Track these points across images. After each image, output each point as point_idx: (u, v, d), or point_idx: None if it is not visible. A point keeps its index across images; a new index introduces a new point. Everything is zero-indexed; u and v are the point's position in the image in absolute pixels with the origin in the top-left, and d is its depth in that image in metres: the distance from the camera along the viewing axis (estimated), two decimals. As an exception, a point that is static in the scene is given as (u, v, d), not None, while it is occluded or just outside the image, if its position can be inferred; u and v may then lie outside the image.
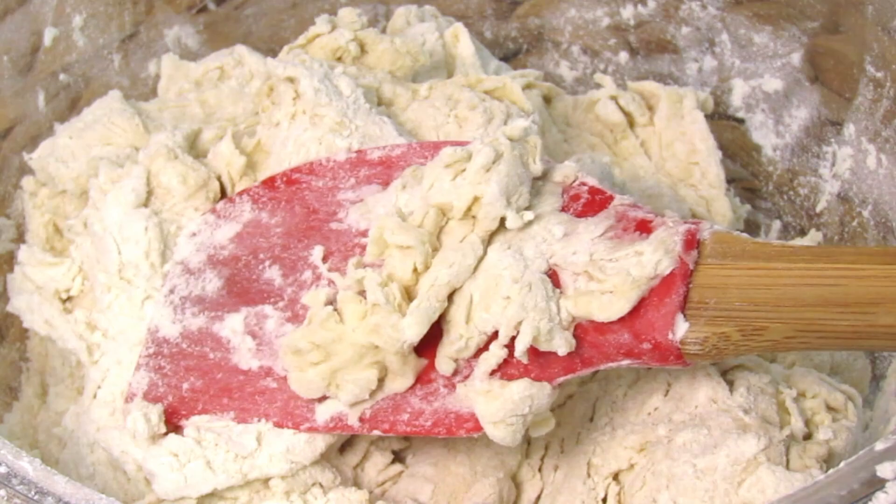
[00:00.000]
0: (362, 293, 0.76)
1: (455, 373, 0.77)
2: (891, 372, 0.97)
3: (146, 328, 0.86)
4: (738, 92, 1.11)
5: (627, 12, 1.14)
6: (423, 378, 0.78)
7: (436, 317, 0.75)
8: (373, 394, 0.77)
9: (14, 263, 0.95)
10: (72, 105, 1.02)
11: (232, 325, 0.84)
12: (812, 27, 1.03)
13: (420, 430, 0.78)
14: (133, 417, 0.80)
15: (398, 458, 0.90)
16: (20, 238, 0.99)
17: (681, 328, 0.70)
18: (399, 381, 0.77)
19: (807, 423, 0.82)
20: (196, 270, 0.87)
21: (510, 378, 0.74)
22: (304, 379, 0.78)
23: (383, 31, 1.09)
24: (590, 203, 0.78)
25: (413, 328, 0.74)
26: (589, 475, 0.82)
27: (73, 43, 1.01)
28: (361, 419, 0.78)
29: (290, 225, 0.86)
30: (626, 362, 0.73)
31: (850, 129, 1.02)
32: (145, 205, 0.89)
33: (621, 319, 0.72)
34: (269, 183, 0.89)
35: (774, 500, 0.62)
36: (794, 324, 0.68)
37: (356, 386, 0.76)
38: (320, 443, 0.82)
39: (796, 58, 1.05)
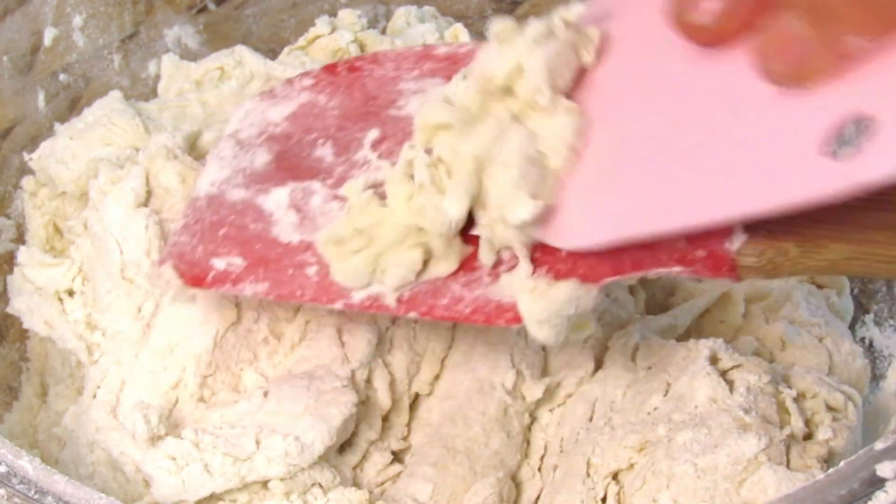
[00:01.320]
0: (412, 177, 0.74)
1: (499, 263, 0.74)
2: (891, 372, 0.97)
3: (190, 197, 0.85)
4: (738, 92, 1.11)
5: (627, 12, 1.14)
6: (466, 265, 0.75)
7: (473, 192, 0.71)
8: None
9: (14, 264, 0.95)
10: (72, 105, 1.02)
11: (277, 199, 0.81)
12: (812, 27, 1.03)
13: (458, 315, 0.74)
14: (132, 419, 0.80)
15: (397, 458, 0.90)
16: (20, 238, 0.99)
17: (738, 238, 0.66)
18: (442, 265, 0.75)
19: (807, 422, 0.82)
20: (246, 144, 0.86)
21: (557, 275, 0.71)
22: (348, 268, 0.75)
23: (383, 31, 1.10)
24: None
25: (453, 205, 0.71)
26: (588, 475, 0.82)
27: (73, 43, 1.01)
28: (399, 300, 0.76)
29: (348, 108, 0.84)
30: (676, 269, 0.69)
31: (850, 129, 1.02)
32: (145, 205, 0.89)
33: None
34: (331, 69, 0.87)
35: (774, 500, 0.62)
36: (856, 244, 0.65)
37: (401, 268, 0.74)
38: (319, 444, 0.82)
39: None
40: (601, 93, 0.72)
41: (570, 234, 0.71)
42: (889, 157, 0.54)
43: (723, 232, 0.67)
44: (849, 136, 0.56)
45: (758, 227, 0.66)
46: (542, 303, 0.71)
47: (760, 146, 0.61)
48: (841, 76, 0.56)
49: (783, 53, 0.56)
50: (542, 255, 0.72)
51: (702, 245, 0.68)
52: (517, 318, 0.72)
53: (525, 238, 0.71)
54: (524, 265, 0.72)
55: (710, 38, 0.61)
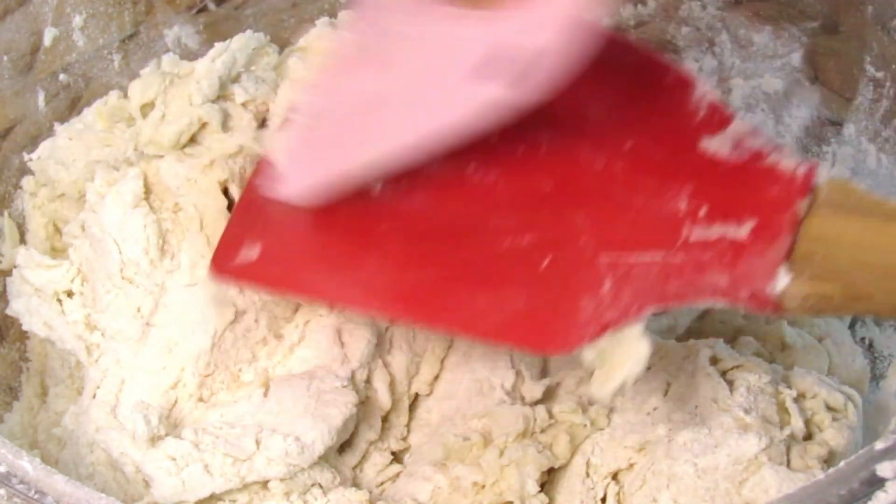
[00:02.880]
0: None
1: None
2: (891, 372, 0.97)
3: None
4: (738, 92, 1.11)
5: (627, 12, 1.14)
6: None
7: None
8: None
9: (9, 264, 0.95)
10: (72, 105, 1.02)
11: None
12: (812, 27, 1.03)
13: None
14: (132, 419, 0.80)
15: (397, 458, 0.90)
16: (21, 238, 0.99)
17: (782, 281, 0.65)
18: None
19: (807, 423, 0.82)
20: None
21: (605, 327, 0.70)
22: None
23: (383, 31, 1.09)
24: (707, 119, 0.73)
25: None
26: (588, 475, 0.82)
27: (73, 43, 1.01)
28: None
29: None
30: (720, 304, 0.68)
31: (850, 129, 1.02)
32: (144, 202, 0.89)
33: (721, 261, 0.67)
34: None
35: (774, 500, 0.61)
36: None
37: None
38: (319, 445, 0.82)
39: (796, 58, 1.05)
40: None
41: (288, 186, 0.78)
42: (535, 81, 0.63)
43: (766, 274, 0.65)
44: (498, 62, 0.65)
45: (802, 270, 0.65)
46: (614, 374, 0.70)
47: (425, 75, 0.69)
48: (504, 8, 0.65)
49: None
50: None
51: (745, 285, 0.66)
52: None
53: None
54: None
55: None
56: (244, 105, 0.97)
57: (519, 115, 0.66)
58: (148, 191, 0.89)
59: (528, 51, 0.63)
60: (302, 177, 0.77)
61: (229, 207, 0.91)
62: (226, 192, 0.92)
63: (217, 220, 0.89)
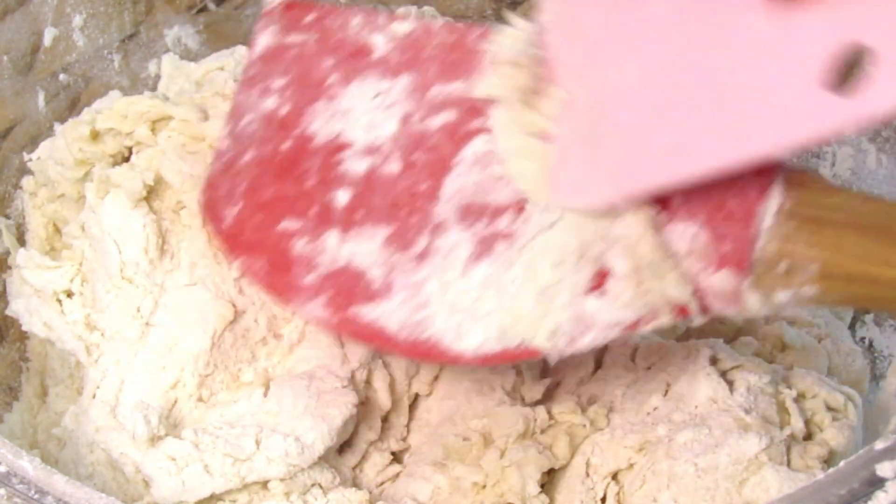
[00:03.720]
0: None
1: None
2: (891, 372, 0.97)
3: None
4: (739, 92, 1.11)
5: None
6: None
7: None
8: None
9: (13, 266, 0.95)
10: (72, 105, 1.02)
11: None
12: (812, 27, 1.03)
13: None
14: (132, 419, 0.80)
15: (396, 458, 0.90)
16: (20, 238, 0.99)
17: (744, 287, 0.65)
18: None
19: (807, 423, 0.82)
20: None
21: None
22: None
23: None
24: None
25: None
26: (588, 475, 0.82)
27: (73, 43, 1.01)
28: None
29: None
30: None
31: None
32: (144, 202, 0.89)
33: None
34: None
35: (774, 499, 0.61)
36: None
37: None
38: (319, 445, 0.82)
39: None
40: (573, 35, 0.69)
41: (576, 190, 0.70)
42: (891, 91, 0.53)
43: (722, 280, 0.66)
44: (848, 68, 0.55)
45: (763, 276, 0.64)
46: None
47: (761, 83, 0.58)
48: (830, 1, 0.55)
49: None
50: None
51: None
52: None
53: None
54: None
55: None
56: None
57: None
58: (149, 190, 0.89)
59: (872, 50, 0.54)
60: (595, 187, 0.69)
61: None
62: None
63: None
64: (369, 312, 0.76)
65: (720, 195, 0.66)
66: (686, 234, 0.67)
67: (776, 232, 0.64)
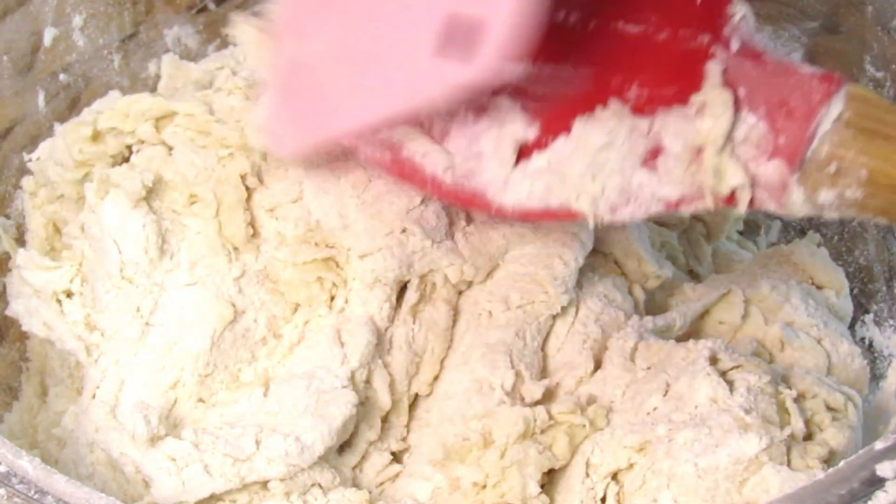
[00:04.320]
0: None
1: None
2: (891, 372, 0.97)
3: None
4: (739, 92, 1.11)
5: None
6: None
7: None
8: None
9: (13, 266, 0.94)
10: (72, 105, 1.02)
11: None
12: (812, 27, 1.03)
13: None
14: (132, 419, 0.80)
15: (396, 458, 0.90)
16: (20, 237, 0.99)
17: (792, 181, 0.69)
18: None
19: (807, 423, 0.82)
20: None
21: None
22: None
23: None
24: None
25: None
26: (588, 475, 0.82)
27: (73, 43, 1.01)
28: None
29: None
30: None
31: (850, 129, 1.02)
32: (144, 202, 0.89)
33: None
34: None
35: (774, 499, 0.62)
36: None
37: None
38: (319, 445, 0.82)
39: (796, 58, 1.05)
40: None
41: (278, 145, 0.82)
42: (491, 58, 0.62)
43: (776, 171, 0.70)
44: (458, 37, 0.64)
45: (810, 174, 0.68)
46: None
47: (394, 51, 0.69)
48: None
49: None
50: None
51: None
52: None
53: None
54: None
55: None
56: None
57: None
58: (149, 190, 0.89)
59: (481, 21, 0.63)
60: (290, 138, 0.81)
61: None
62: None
63: (234, 209, 0.89)
64: (423, 155, 0.79)
65: (785, 94, 0.70)
66: (747, 122, 0.71)
67: (832, 137, 0.68)
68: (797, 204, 0.69)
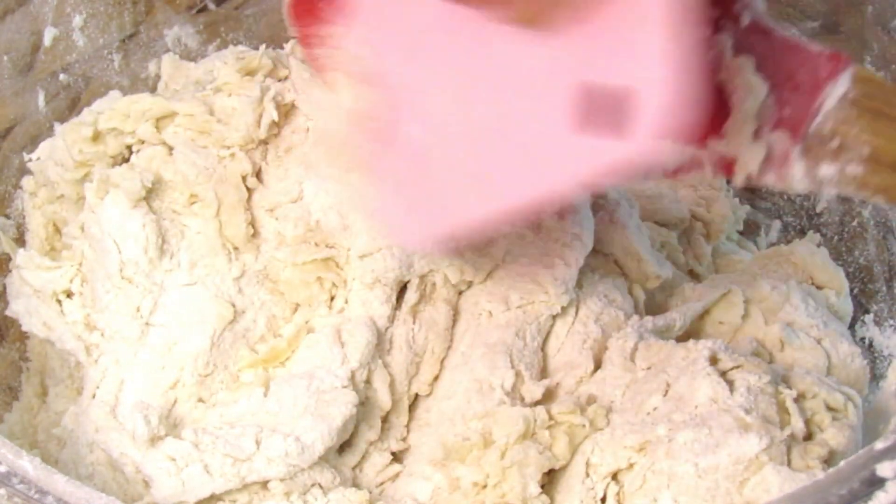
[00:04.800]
0: None
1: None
2: (890, 372, 0.97)
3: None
4: (739, 92, 1.11)
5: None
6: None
7: None
8: None
9: (13, 267, 0.94)
10: (72, 105, 1.02)
11: None
12: (812, 27, 1.03)
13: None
14: (132, 419, 0.80)
15: (396, 458, 0.90)
16: (20, 237, 0.99)
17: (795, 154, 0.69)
18: None
19: (807, 423, 0.82)
20: None
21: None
22: None
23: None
24: None
25: None
26: (588, 475, 0.82)
27: (73, 43, 1.01)
28: None
29: None
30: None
31: (850, 129, 1.02)
32: (143, 202, 0.89)
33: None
34: None
35: (774, 499, 0.62)
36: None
37: None
38: (319, 445, 0.82)
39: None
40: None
41: (401, 235, 0.72)
42: (651, 128, 0.52)
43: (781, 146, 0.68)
44: (604, 110, 0.53)
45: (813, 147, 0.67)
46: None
47: (520, 126, 0.58)
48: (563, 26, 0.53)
49: None
50: None
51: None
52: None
53: None
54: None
55: None
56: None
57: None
58: (149, 190, 0.89)
59: (627, 91, 0.53)
60: (413, 230, 0.71)
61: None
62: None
63: (234, 209, 0.89)
64: None
65: (792, 68, 0.70)
66: None
67: (836, 114, 0.68)
68: (797, 177, 0.69)
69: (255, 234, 0.90)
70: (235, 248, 0.89)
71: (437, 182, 0.67)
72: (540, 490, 0.81)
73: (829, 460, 0.79)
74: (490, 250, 0.93)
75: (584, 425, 0.85)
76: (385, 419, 0.90)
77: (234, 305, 0.88)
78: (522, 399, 0.89)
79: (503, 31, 0.58)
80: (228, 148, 0.91)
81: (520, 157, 0.60)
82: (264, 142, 0.92)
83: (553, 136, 0.57)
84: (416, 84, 0.68)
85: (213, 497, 0.80)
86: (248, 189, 0.91)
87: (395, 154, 0.71)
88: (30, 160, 0.98)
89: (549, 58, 0.56)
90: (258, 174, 0.91)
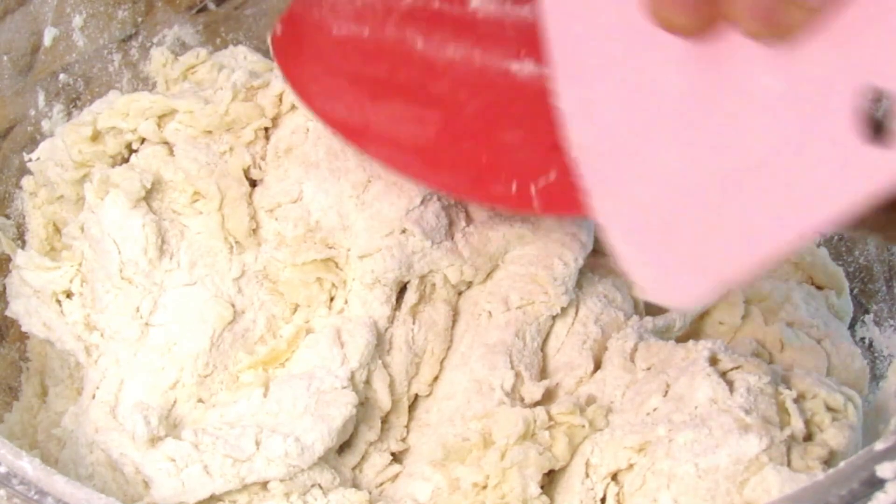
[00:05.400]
0: None
1: None
2: (890, 372, 0.97)
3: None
4: (739, 92, 1.11)
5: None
6: None
7: None
8: None
9: (13, 267, 0.95)
10: (72, 105, 1.02)
11: None
12: (812, 27, 1.03)
13: None
14: (132, 420, 0.80)
15: (396, 458, 0.90)
16: (20, 238, 0.99)
17: None
18: None
19: (807, 423, 0.82)
20: None
21: None
22: None
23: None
24: None
25: None
26: (587, 475, 0.82)
27: (73, 43, 1.01)
28: None
29: None
30: None
31: (850, 129, 1.02)
32: (143, 202, 0.89)
33: None
34: None
35: (775, 500, 0.61)
36: None
37: None
38: (319, 445, 0.82)
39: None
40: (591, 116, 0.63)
41: (673, 293, 0.64)
42: None
43: None
44: (878, 114, 0.50)
45: None
46: None
47: (798, 148, 0.53)
48: (828, 36, 0.49)
49: (751, 11, 0.51)
50: None
51: None
52: None
53: None
54: None
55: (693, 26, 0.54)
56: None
57: None
58: (148, 190, 0.89)
59: None
60: (685, 286, 0.63)
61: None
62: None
63: (237, 202, 0.90)
64: None
65: None
66: None
67: None
68: None
69: (256, 230, 0.90)
70: (237, 243, 0.89)
71: (697, 230, 0.61)
72: (540, 491, 0.81)
73: (829, 461, 0.79)
74: (490, 250, 0.93)
75: (583, 426, 0.85)
76: (385, 420, 0.90)
77: (233, 306, 0.88)
78: (522, 400, 0.89)
79: (738, 56, 0.54)
80: (228, 143, 0.91)
81: (798, 178, 0.54)
82: (266, 137, 0.93)
83: (840, 148, 0.52)
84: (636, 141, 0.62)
85: (212, 497, 0.80)
86: (252, 181, 0.91)
87: (618, 215, 0.65)
88: (30, 160, 0.98)
89: (809, 70, 0.52)
90: (259, 167, 0.92)
